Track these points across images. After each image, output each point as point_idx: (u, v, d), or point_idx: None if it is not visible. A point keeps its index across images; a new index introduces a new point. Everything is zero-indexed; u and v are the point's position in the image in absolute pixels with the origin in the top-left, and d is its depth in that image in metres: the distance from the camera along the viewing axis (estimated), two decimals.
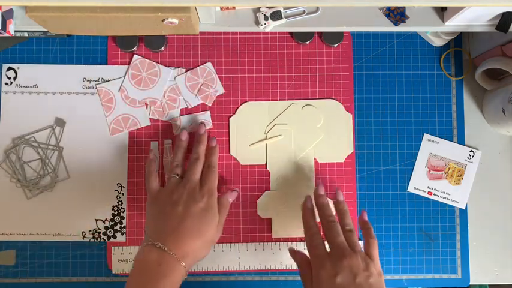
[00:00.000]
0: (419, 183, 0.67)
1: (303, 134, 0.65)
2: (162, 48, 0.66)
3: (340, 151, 0.66)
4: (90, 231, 0.65)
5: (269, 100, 0.67)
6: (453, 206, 0.67)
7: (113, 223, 0.65)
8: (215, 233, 0.57)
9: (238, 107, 0.66)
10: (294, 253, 0.58)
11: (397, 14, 0.58)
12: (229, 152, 0.66)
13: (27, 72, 0.66)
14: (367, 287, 0.49)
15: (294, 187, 0.65)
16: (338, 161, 0.66)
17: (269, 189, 0.66)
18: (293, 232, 0.65)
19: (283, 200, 0.65)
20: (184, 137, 0.63)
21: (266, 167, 0.66)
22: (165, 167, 0.66)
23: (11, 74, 0.66)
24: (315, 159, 0.66)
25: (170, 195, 0.57)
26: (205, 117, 0.66)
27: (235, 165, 0.66)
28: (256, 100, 0.67)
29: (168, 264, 0.51)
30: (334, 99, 0.66)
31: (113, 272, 0.65)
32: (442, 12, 0.58)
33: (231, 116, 0.66)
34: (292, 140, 0.66)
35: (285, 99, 0.67)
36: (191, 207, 0.55)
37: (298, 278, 0.66)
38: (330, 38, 0.66)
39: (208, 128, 0.66)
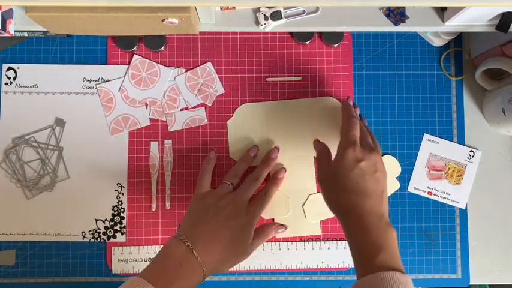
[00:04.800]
0: (419, 183, 0.67)
1: (302, 133, 0.65)
2: (162, 48, 0.66)
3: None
4: (90, 231, 0.65)
5: (269, 100, 0.67)
6: (453, 206, 0.67)
7: (112, 223, 0.65)
8: (243, 253, 0.57)
9: (235, 109, 0.66)
10: (317, 142, 0.63)
11: (397, 14, 0.58)
12: (229, 154, 0.66)
13: (27, 72, 0.66)
14: (381, 181, 0.54)
15: (294, 186, 0.65)
16: None
17: None
18: (295, 231, 0.65)
19: (284, 200, 0.65)
20: (254, 153, 0.64)
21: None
22: (165, 167, 0.66)
23: (11, 74, 0.66)
24: (314, 158, 0.66)
25: (217, 200, 0.58)
26: (200, 113, 0.66)
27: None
28: (256, 101, 0.67)
29: (189, 266, 0.52)
30: (332, 96, 0.66)
31: (113, 272, 0.65)
32: (442, 12, 0.58)
33: (228, 118, 0.66)
34: (291, 140, 0.65)
35: (284, 99, 0.67)
36: (232, 220, 0.56)
37: (298, 278, 0.66)
38: (330, 38, 0.66)
39: (203, 124, 0.66)
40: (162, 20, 0.51)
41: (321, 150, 0.60)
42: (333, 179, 0.54)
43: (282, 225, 0.64)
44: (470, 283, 0.66)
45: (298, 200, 0.65)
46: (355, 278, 0.65)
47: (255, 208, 0.59)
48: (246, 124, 0.66)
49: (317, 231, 0.66)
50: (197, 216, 0.57)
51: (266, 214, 0.65)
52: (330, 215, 0.65)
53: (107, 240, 0.65)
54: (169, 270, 0.51)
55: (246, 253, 0.57)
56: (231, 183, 0.61)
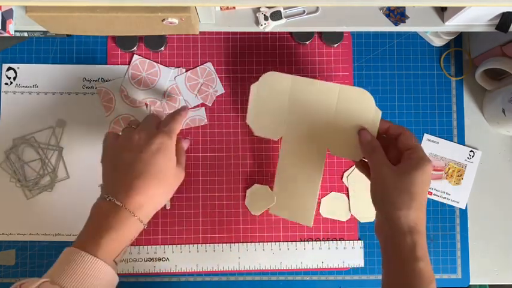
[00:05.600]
0: None
1: (321, 119, 0.58)
2: (162, 48, 0.66)
3: (358, 149, 0.56)
4: None
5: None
6: (453, 206, 0.67)
7: None
8: (174, 176, 0.51)
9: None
10: (366, 133, 0.54)
11: (397, 14, 0.58)
12: (246, 120, 0.61)
13: (27, 72, 0.66)
14: None
15: (301, 176, 0.61)
16: (353, 158, 0.57)
17: (259, 182, 0.65)
18: (293, 215, 0.62)
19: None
20: (184, 111, 0.57)
21: (279, 143, 0.63)
22: None
23: (11, 74, 0.66)
24: (328, 150, 0.59)
25: (123, 144, 0.51)
26: (200, 113, 0.66)
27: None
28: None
29: (117, 217, 0.47)
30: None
31: None
32: (442, 12, 0.58)
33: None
34: (307, 123, 0.59)
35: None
36: (143, 151, 0.49)
37: (298, 278, 0.66)
38: (330, 38, 0.66)
39: (203, 124, 0.66)
40: (162, 20, 0.51)
41: (375, 145, 0.53)
42: (404, 188, 0.48)
43: (185, 138, 0.60)
44: (470, 283, 0.66)
45: (303, 192, 0.61)
46: (355, 277, 0.66)
47: (166, 127, 0.52)
48: (267, 93, 0.59)
49: (310, 222, 0.61)
50: (110, 169, 0.51)
51: (253, 209, 0.65)
52: (332, 216, 0.65)
53: None
54: (97, 229, 0.47)
55: (178, 175, 0.52)
56: (132, 126, 0.54)
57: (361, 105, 0.57)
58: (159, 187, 0.50)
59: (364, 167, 0.56)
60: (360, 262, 0.65)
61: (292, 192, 0.62)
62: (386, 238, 0.49)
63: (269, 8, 0.58)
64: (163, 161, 0.50)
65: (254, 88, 0.60)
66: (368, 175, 0.55)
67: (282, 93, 0.59)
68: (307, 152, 0.60)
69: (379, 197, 0.50)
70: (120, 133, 0.54)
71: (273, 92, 0.59)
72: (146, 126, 0.53)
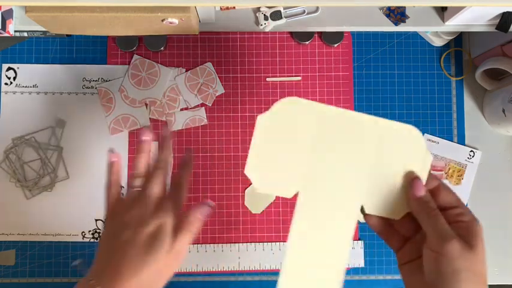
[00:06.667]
0: None
1: (356, 165, 0.42)
2: (162, 48, 0.66)
3: (400, 204, 0.42)
4: (90, 231, 0.65)
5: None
6: None
7: None
8: (166, 263, 0.42)
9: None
10: (419, 185, 0.41)
11: (397, 14, 0.58)
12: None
13: (27, 72, 0.66)
14: None
15: (324, 234, 0.44)
16: (393, 216, 0.42)
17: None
18: None
19: (306, 245, 0.44)
20: (146, 137, 0.47)
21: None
22: None
23: (11, 74, 0.66)
24: (362, 207, 0.43)
25: (123, 214, 0.44)
26: (200, 113, 0.66)
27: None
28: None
29: None
30: (415, 126, 0.42)
31: None
32: (442, 12, 0.58)
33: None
34: (336, 171, 0.42)
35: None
36: (138, 233, 0.42)
37: None
38: (330, 38, 0.66)
39: (203, 124, 0.66)
40: (162, 20, 0.51)
41: (434, 207, 0.40)
42: (477, 271, 0.38)
43: (204, 203, 0.45)
44: None
45: (324, 263, 0.47)
46: (355, 278, 0.66)
47: (166, 204, 0.44)
48: (281, 129, 0.42)
49: None
50: (104, 242, 0.44)
51: (253, 208, 0.65)
52: None
53: None
54: None
55: (172, 260, 0.43)
56: (135, 187, 0.46)
57: (406, 147, 0.42)
58: (148, 275, 0.42)
59: (384, 228, 0.43)
60: (360, 262, 0.65)
61: (310, 265, 0.45)
62: None
63: (269, 8, 0.58)
64: (156, 247, 0.42)
65: (261, 120, 0.43)
66: (393, 243, 0.43)
67: (303, 130, 0.43)
68: (333, 211, 0.43)
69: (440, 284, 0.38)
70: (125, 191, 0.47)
71: (291, 128, 0.43)
72: (150, 194, 0.44)
